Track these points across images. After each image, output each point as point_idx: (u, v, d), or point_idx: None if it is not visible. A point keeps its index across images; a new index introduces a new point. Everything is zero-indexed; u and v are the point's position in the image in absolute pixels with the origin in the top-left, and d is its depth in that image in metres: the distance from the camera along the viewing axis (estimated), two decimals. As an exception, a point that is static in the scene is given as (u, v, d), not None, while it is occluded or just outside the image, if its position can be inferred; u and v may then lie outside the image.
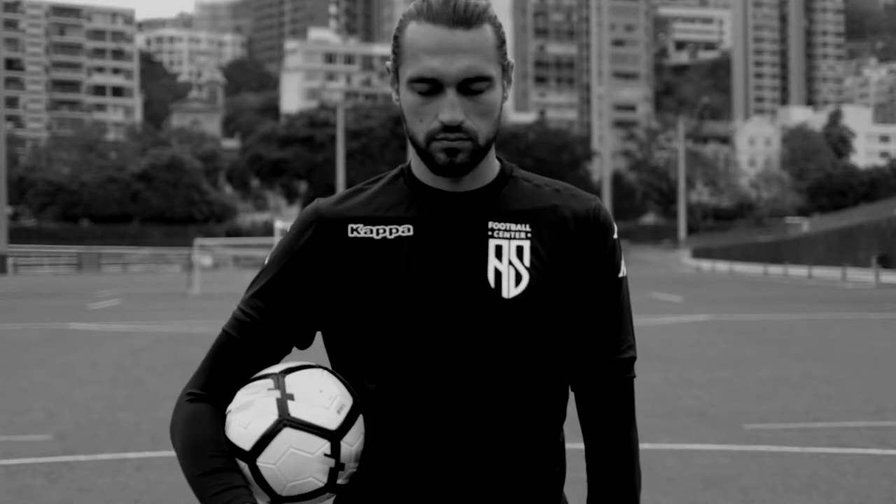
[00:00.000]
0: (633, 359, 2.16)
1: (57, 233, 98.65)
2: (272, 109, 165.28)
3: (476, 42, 2.01)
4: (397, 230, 2.08)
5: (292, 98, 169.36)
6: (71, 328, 21.77)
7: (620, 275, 2.15)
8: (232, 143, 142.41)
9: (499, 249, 2.07)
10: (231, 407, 2.07)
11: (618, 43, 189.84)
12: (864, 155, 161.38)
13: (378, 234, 2.09)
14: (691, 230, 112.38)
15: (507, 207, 2.11)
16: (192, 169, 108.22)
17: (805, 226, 78.55)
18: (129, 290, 42.49)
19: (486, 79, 2.01)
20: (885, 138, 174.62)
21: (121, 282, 52.61)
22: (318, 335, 2.18)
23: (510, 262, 2.07)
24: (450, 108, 1.99)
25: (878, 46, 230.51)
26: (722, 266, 67.94)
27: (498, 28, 2.06)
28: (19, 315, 26.57)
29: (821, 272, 50.84)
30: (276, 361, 2.14)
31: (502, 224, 2.09)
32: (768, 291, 36.93)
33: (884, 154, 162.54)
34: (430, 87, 2.00)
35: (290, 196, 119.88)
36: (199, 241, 46.01)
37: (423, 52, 2.00)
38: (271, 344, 2.12)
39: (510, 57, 2.22)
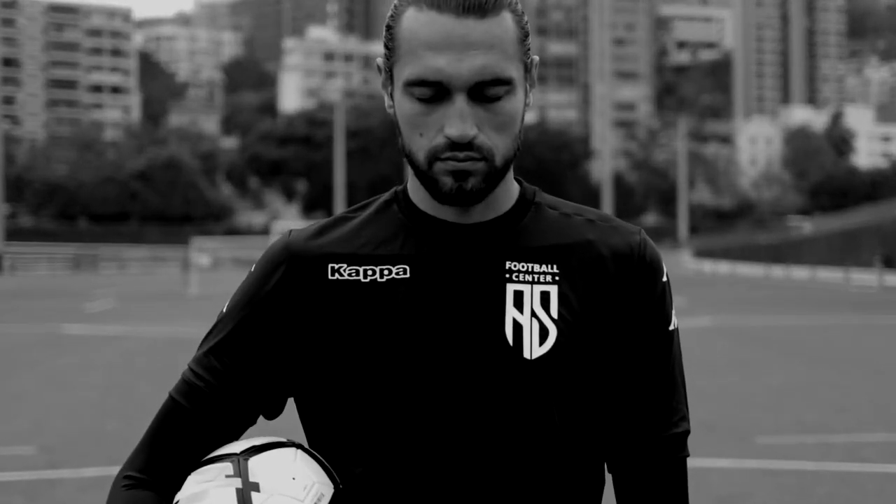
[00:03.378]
0: (687, 433, 1.73)
1: (54, 232, 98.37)
2: (271, 108, 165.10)
3: (492, 34, 1.60)
4: (390, 272, 1.67)
5: (291, 97, 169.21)
6: (64, 330, 21.46)
7: (671, 327, 1.74)
8: (231, 142, 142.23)
9: (519, 297, 1.66)
10: (179, 497, 1.64)
11: (618, 42, 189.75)
12: (866, 155, 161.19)
13: (366, 276, 1.68)
14: (692, 230, 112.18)
15: (529, 243, 1.70)
16: (191, 168, 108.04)
17: (807, 226, 78.32)
18: (125, 290, 42.18)
19: (505, 82, 1.60)
20: (886, 138, 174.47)
21: (117, 282, 52.35)
22: (291, 402, 1.77)
23: (533, 313, 1.66)
24: (458, 120, 1.59)
25: (879, 46, 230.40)
26: (723, 267, 67.67)
27: (520, 17, 1.65)
28: (12, 316, 26.28)
29: (823, 273, 50.58)
30: (237, 436, 1.73)
31: (523, 264, 1.68)
32: (771, 293, 36.66)
33: (886, 154, 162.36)
34: (434, 91, 1.59)
35: (289, 195, 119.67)
36: (196, 240, 45.63)
37: (425, 48, 1.59)
38: (230, 414, 1.71)
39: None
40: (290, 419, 1.84)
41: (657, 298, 1.71)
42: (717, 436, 9.20)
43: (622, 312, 1.69)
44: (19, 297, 37.47)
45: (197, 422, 1.69)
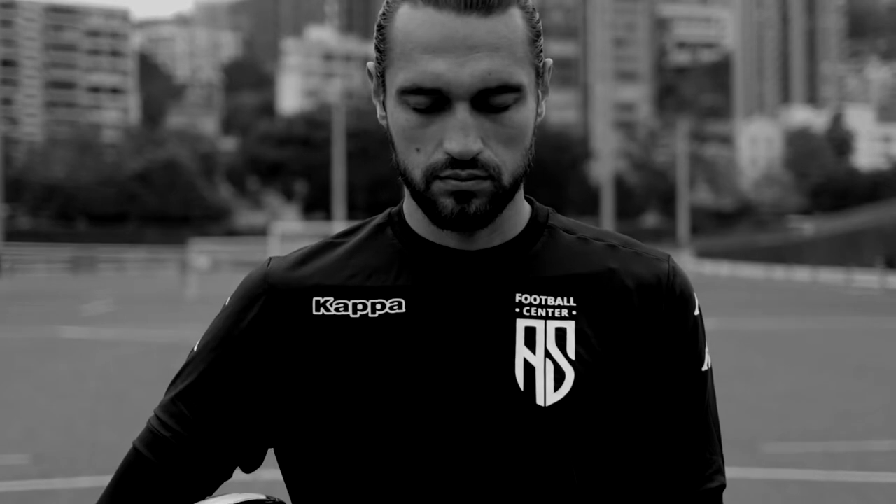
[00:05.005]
0: (722, 487, 1.55)
1: (53, 233, 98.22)
2: (270, 109, 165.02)
3: (499, 35, 1.40)
4: (383, 306, 1.48)
5: (290, 97, 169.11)
6: (59, 335, 21.29)
7: (704, 367, 1.54)
8: (230, 143, 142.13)
9: (531, 334, 1.47)
10: None
11: (618, 42, 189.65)
12: (867, 155, 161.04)
13: (355, 311, 1.48)
14: (693, 231, 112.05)
15: (542, 272, 1.50)
16: (190, 169, 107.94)
17: (807, 227, 78.15)
18: (123, 292, 42.00)
19: (514, 88, 1.41)
20: (887, 139, 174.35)
21: (115, 284, 52.18)
22: (271, 453, 1.58)
23: (547, 354, 1.46)
24: (460, 133, 1.39)
25: (879, 46, 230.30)
26: (724, 268, 67.57)
27: (531, 14, 1.45)
28: (9, 319, 26.11)
29: (825, 274, 50.46)
30: (210, 492, 1.55)
31: (536, 297, 1.48)
32: (773, 296, 36.52)
33: (887, 155, 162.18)
34: (432, 100, 1.40)
35: (289, 196, 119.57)
36: (194, 242, 45.41)
37: (421, 50, 1.40)
38: (201, 468, 1.52)
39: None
40: (271, 470, 1.68)
41: (688, 335, 1.52)
42: (723, 443, 9.02)
43: (649, 352, 1.50)
44: (17, 299, 37.30)
45: (163, 476, 1.51)
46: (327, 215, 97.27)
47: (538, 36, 1.45)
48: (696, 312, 1.54)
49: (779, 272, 56.90)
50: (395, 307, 1.47)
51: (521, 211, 1.52)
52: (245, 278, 1.56)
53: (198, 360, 1.52)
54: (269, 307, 1.50)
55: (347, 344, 1.47)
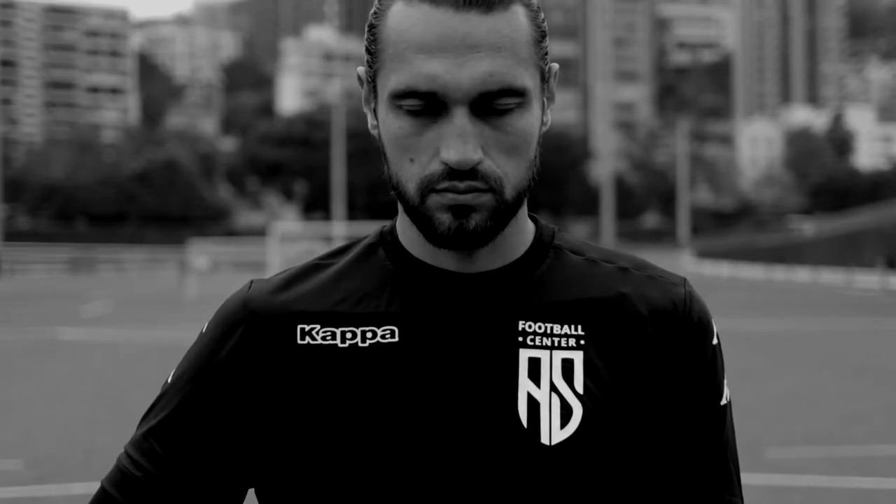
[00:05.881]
0: None
1: (52, 233, 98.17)
2: (270, 109, 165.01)
3: (501, 34, 1.28)
4: (374, 334, 1.35)
5: (290, 97, 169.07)
6: (58, 336, 21.22)
7: (723, 401, 1.42)
8: (229, 143, 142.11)
9: (535, 366, 1.34)
10: None
11: (618, 42, 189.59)
12: (867, 156, 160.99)
13: (344, 339, 1.35)
14: (693, 231, 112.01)
15: (547, 298, 1.37)
16: (189, 169, 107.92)
17: (808, 227, 78.09)
18: (122, 292, 41.93)
19: (518, 92, 1.29)
20: (888, 139, 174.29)
21: (114, 284, 52.12)
22: (251, 494, 1.46)
23: (553, 387, 1.34)
24: (458, 140, 1.27)
25: (880, 46, 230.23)
26: (724, 269, 67.52)
27: (535, 13, 1.34)
28: (7, 320, 26.03)
29: (825, 275, 50.40)
30: None
31: (540, 325, 1.36)
32: (773, 296, 36.45)
33: (887, 155, 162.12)
34: (427, 105, 1.28)
35: (288, 196, 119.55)
36: (193, 242, 45.32)
37: (416, 50, 1.27)
38: None
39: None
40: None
41: (706, 366, 1.39)
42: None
43: (663, 384, 1.37)
44: (16, 300, 37.24)
45: None
46: (327, 215, 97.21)
47: (543, 36, 1.35)
48: (715, 341, 1.41)
49: (779, 273, 56.85)
50: (388, 335, 1.34)
51: (524, 230, 1.39)
52: (224, 303, 1.42)
53: (172, 393, 1.39)
54: (249, 335, 1.37)
55: (335, 376, 1.34)
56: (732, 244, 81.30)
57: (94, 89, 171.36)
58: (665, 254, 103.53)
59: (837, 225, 64.19)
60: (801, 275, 53.10)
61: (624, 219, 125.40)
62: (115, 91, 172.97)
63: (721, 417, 1.41)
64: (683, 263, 79.94)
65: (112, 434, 9.95)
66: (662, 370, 1.37)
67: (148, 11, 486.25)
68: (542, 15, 1.36)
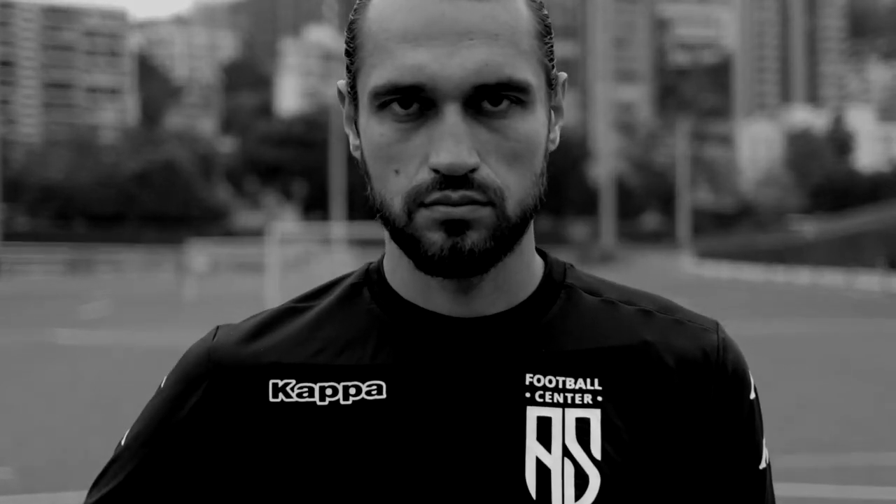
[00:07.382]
0: None
1: (51, 234, 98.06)
2: (269, 109, 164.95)
3: (497, 20, 1.09)
4: (359, 390, 1.16)
5: (289, 98, 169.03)
6: (56, 338, 21.07)
7: (762, 465, 1.22)
8: (228, 144, 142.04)
9: (545, 426, 1.15)
10: None
11: (618, 43, 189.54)
12: (868, 156, 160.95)
13: (323, 396, 1.17)
14: (693, 232, 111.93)
15: (558, 346, 1.18)
16: (188, 170, 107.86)
17: (808, 228, 78.02)
18: (120, 293, 41.78)
19: (518, 87, 1.10)
20: (888, 139, 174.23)
21: (113, 285, 51.97)
22: None
23: (566, 452, 1.15)
24: (450, 141, 1.07)
25: (880, 46, 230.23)
26: (724, 269, 67.40)
27: (538, 5, 1.16)
28: (4, 322, 25.89)
29: (826, 276, 50.29)
30: None
31: (551, 378, 1.17)
32: (774, 298, 36.33)
33: (887, 155, 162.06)
34: (413, 103, 1.09)
35: (287, 197, 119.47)
36: (192, 242, 45.17)
37: (399, 39, 1.09)
38: None
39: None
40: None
41: (743, 424, 1.20)
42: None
43: (693, 447, 1.19)
44: (13, 301, 37.10)
45: None
46: (326, 216, 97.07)
47: (548, 31, 1.16)
48: (753, 395, 1.23)
49: (779, 273, 56.74)
50: (374, 391, 1.16)
51: (530, 265, 1.20)
52: (185, 353, 1.24)
53: (126, 458, 1.22)
54: (213, 392, 1.19)
55: (313, 438, 1.16)
56: (732, 245, 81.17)
57: (93, 90, 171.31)
58: (665, 254, 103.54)
59: (838, 226, 64.02)
60: (802, 276, 53.00)
61: (624, 219, 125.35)
62: (113, 91, 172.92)
63: (761, 483, 1.22)
64: (683, 264, 79.83)
65: (107, 442, 9.78)
66: (692, 430, 1.18)
67: (146, 12, 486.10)
68: (546, 11, 1.18)
